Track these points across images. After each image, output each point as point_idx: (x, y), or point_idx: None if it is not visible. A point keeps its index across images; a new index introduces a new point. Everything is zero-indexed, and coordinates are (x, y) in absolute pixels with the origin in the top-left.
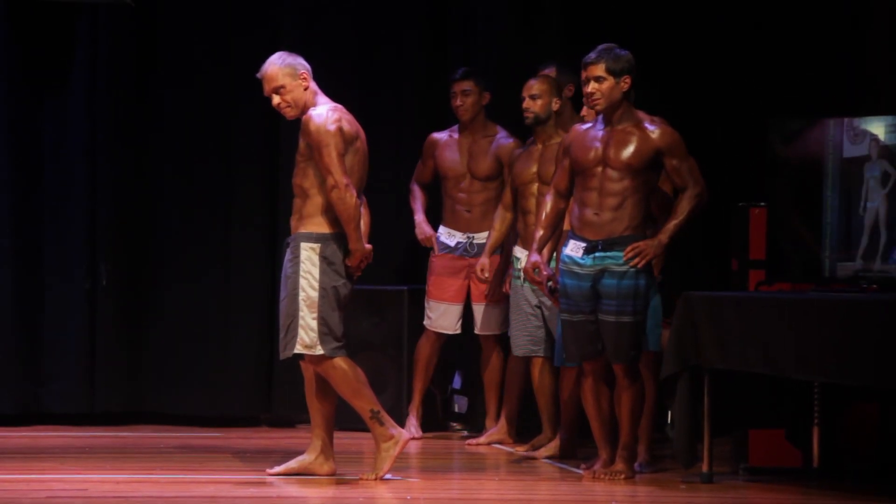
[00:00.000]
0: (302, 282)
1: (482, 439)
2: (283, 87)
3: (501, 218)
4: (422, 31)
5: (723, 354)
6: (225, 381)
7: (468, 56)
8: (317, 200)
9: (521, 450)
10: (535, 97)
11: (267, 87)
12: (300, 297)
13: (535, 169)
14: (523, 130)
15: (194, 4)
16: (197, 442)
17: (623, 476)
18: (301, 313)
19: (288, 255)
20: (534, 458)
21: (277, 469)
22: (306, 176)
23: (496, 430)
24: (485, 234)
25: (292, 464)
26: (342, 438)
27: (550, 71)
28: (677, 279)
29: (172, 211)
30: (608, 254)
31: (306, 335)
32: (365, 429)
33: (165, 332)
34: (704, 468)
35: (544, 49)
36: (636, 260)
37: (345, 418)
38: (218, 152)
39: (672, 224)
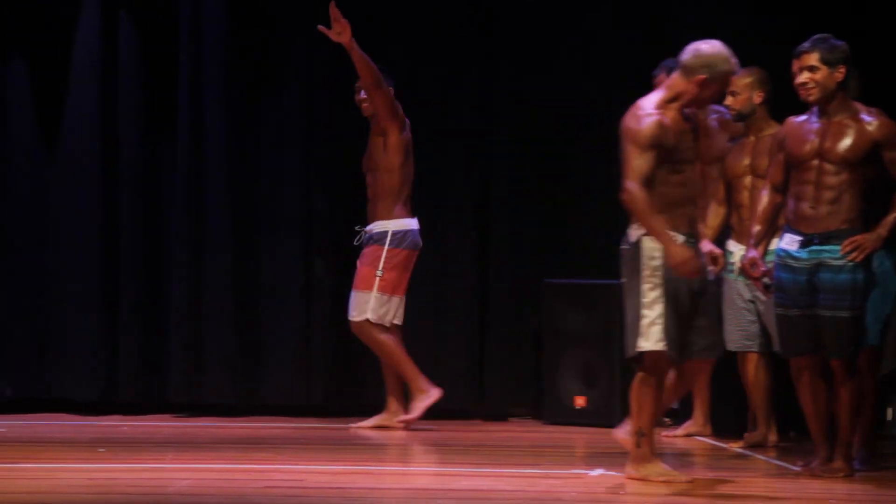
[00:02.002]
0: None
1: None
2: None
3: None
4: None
5: None
6: (438, 374)
7: None
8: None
9: (735, 445)
10: (735, 94)
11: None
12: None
13: (747, 162)
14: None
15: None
16: (411, 434)
17: (842, 474)
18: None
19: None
20: (747, 454)
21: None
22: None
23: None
24: None
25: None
26: (553, 433)
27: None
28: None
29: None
30: (824, 247)
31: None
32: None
33: None
34: None
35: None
36: (854, 254)
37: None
38: (427, 147)
39: (892, 217)
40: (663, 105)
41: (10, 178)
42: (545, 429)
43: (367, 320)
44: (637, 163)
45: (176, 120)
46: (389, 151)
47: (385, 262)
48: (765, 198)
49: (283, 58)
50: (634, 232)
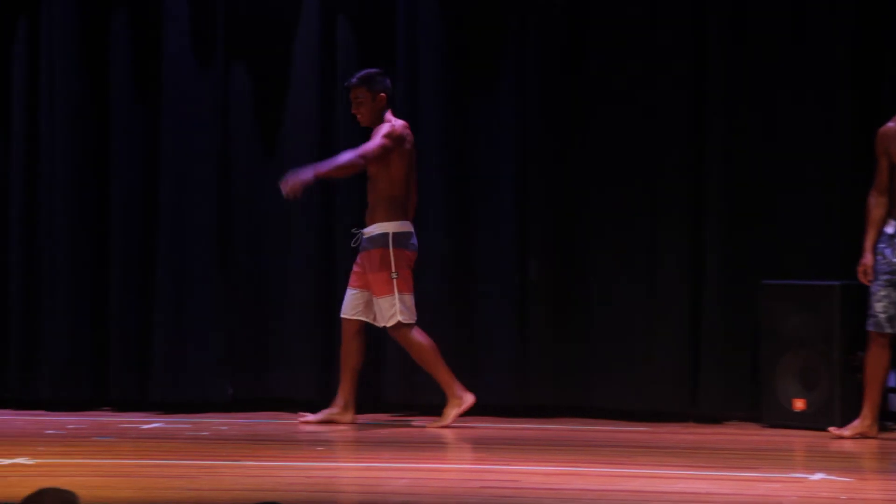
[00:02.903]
0: None
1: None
2: None
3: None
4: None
5: None
6: (651, 375)
7: None
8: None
9: None
10: None
11: None
12: None
13: None
14: None
15: (621, 6)
16: (624, 436)
17: None
18: None
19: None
20: None
21: None
22: None
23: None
24: None
25: None
26: (772, 436)
27: None
28: None
29: (598, 205)
30: None
31: None
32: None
33: (592, 326)
34: None
35: None
36: None
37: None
38: (641, 146)
39: None
40: None
41: (233, 183)
42: (763, 432)
43: (400, 322)
44: None
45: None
46: (392, 168)
47: (395, 263)
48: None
49: (496, 58)
50: None
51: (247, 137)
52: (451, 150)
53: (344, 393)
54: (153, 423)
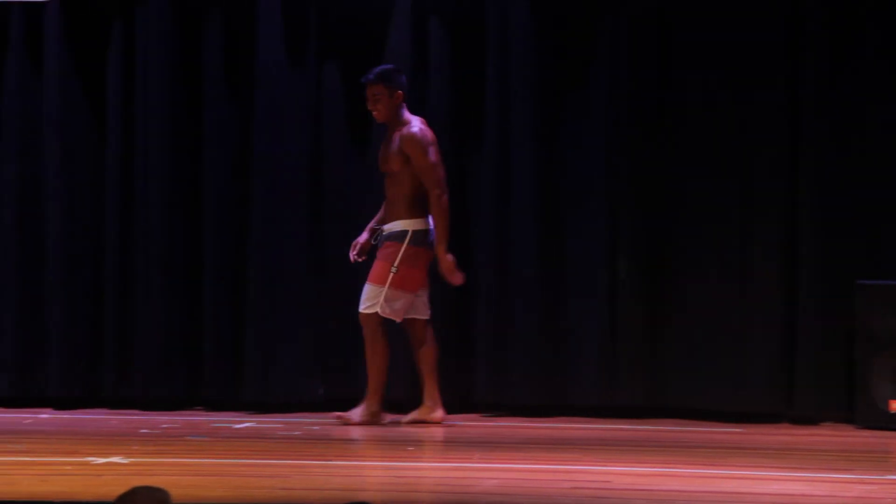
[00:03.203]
0: None
1: None
2: None
3: None
4: None
5: None
6: (744, 376)
7: None
8: None
9: None
10: None
11: None
12: None
13: None
14: None
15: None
16: (718, 437)
17: None
18: None
19: None
20: None
21: None
22: None
23: None
24: None
25: None
26: (867, 438)
27: None
28: None
29: (689, 202)
30: None
31: None
32: None
33: (684, 326)
34: None
35: None
36: None
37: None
38: (734, 144)
39: None
40: None
41: (324, 183)
42: (858, 433)
43: (377, 314)
44: None
45: (483, 125)
46: (426, 171)
47: (402, 260)
48: None
49: (587, 57)
50: None
51: (338, 139)
52: (541, 148)
53: (430, 392)
54: (245, 422)
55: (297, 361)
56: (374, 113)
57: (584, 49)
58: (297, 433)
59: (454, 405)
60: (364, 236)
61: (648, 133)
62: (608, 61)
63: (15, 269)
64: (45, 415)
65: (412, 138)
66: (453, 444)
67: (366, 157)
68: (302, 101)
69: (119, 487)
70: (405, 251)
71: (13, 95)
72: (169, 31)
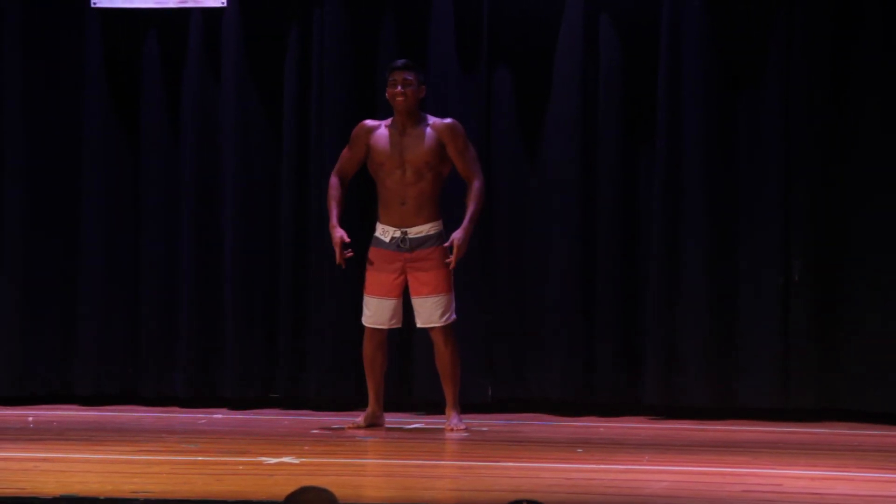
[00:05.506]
0: None
1: None
2: None
3: None
4: None
5: None
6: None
7: None
8: None
9: None
10: None
11: None
12: None
13: None
14: None
15: None
16: (891, 440)
17: None
18: None
19: None
20: None
21: None
22: None
23: None
24: None
25: None
26: None
27: None
28: None
29: (868, 206)
30: None
31: None
32: None
33: (857, 329)
34: None
35: None
36: None
37: None
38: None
39: None
40: None
41: (494, 184)
42: None
43: (453, 322)
44: None
45: (654, 124)
46: (445, 168)
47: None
48: None
49: (760, 52)
50: None
51: (508, 138)
52: (713, 146)
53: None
54: (415, 423)
55: (467, 363)
56: (399, 98)
57: (758, 43)
58: (465, 434)
59: (624, 407)
60: (343, 233)
61: (826, 129)
62: (783, 56)
63: (191, 268)
64: (219, 415)
65: (454, 127)
66: (623, 447)
67: (535, 157)
68: (473, 100)
69: (289, 487)
70: (444, 253)
71: (192, 99)
72: (345, 33)
